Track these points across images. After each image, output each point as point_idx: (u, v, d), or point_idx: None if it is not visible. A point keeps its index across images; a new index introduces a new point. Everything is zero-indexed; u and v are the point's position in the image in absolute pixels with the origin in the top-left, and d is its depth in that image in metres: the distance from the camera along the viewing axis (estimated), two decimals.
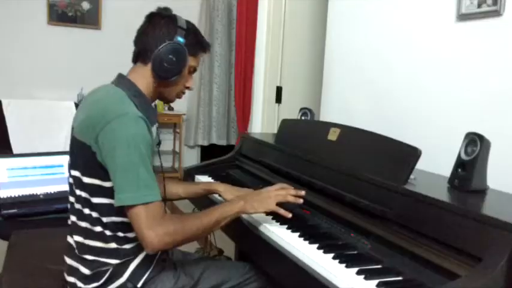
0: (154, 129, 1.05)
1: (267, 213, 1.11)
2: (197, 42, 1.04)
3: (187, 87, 1.08)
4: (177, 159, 4.01)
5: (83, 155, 0.95)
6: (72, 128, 1.01)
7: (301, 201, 1.06)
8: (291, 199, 1.05)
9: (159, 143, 1.09)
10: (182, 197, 1.26)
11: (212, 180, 1.49)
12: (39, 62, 3.51)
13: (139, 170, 0.89)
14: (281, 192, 1.06)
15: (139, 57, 1.03)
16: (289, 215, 1.04)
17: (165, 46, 0.97)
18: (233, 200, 1.06)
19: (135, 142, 0.89)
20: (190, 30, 1.02)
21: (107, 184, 0.93)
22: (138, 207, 0.88)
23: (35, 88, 3.44)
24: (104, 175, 0.93)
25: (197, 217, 0.97)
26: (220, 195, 1.24)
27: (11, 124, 2.52)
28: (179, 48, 0.98)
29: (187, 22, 1.03)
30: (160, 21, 1.00)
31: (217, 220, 0.98)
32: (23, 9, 3.42)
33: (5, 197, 1.73)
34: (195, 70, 1.07)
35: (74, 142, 0.99)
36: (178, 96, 1.08)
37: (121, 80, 1.02)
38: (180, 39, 0.99)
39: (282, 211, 1.04)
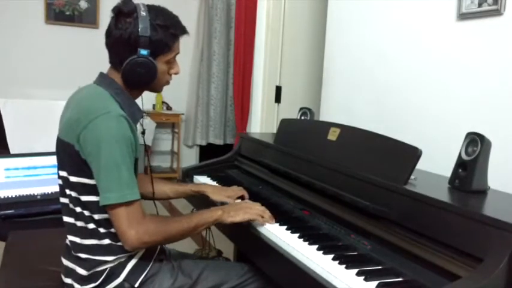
0: (144, 122, 1.05)
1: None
2: (166, 38, 0.99)
3: (174, 74, 1.06)
4: (175, 159, 4.00)
5: (67, 155, 0.96)
6: (59, 130, 1.02)
7: (266, 224, 1.06)
8: (260, 220, 1.06)
9: (143, 132, 1.09)
10: (171, 196, 1.27)
11: (210, 181, 1.49)
12: (36, 61, 3.50)
13: (121, 169, 0.90)
14: (260, 208, 1.08)
15: (111, 62, 1.02)
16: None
17: (130, 63, 0.96)
18: (214, 208, 1.08)
19: (117, 141, 0.90)
20: (156, 31, 0.96)
21: (94, 182, 0.94)
22: (120, 206, 0.90)
23: (32, 87, 3.42)
24: (90, 173, 0.93)
25: (178, 220, 0.99)
26: (208, 196, 1.24)
27: (8, 124, 2.51)
28: (144, 62, 0.97)
29: (153, 17, 0.96)
30: (124, 25, 0.96)
31: (196, 225, 1.00)
32: (21, 8, 3.41)
33: (2, 197, 1.72)
34: (176, 55, 1.04)
35: (59, 143, 0.99)
36: (166, 84, 1.07)
37: (102, 79, 1.02)
38: (143, 51, 0.95)
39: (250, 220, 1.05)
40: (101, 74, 1.03)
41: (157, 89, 1.07)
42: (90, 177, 0.94)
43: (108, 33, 0.99)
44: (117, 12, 0.98)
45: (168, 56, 1.02)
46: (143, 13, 0.96)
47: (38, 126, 2.52)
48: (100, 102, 0.95)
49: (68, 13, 3.54)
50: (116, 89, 1.00)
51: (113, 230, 0.97)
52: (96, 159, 0.90)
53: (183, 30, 1.03)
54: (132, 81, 0.99)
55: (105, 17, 3.71)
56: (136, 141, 0.97)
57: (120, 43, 0.97)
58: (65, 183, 0.99)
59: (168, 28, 0.99)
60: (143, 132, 1.08)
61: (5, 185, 1.74)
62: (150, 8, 0.99)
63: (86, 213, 0.97)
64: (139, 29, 0.95)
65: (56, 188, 1.83)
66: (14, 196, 1.74)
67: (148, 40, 0.96)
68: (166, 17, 1.00)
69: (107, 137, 0.90)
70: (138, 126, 1.05)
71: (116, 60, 1.00)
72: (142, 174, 1.10)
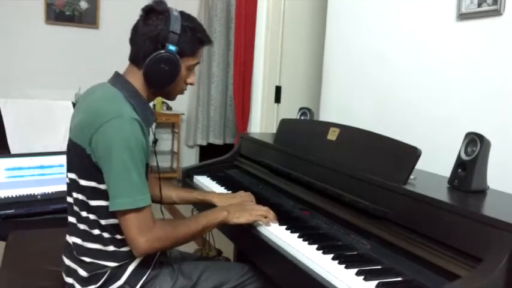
0: (152, 128, 1.05)
1: None
2: (194, 41, 1.00)
3: (190, 83, 1.06)
4: (175, 159, 4.00)
5: (78, 158, 0.95)
6: (70, 130, 1.01)
7: (270, 224, 1.07)
8: (264, 221, 1.06)
9: (155, 141, 1.08)
10: (176, 202, 1.26)
11: (210, 181, 1.49)
12: (36, 62, 3.50)
13: (132, 174, 0.89)
14: (263, 208, 1.08)
15: (133, 59, 1.01)
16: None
17: (156, 56, 0.95)
18: (218, 209, 1.08)
19: (129, 145, 0.89)
20: (186, 32, 0.98)
21: (103, 186, 0.93)
22: (130, 213, 0.89)
23: (33, 88, 3.42)
24: (100, 177, 0.92)
25: (186, 224, 0.99)
26: (215, 205, 1.22)
27: (8, 124, 2.50)
28: (170, 58, 0.96)
29: (183, 19, 0.99)
30: (154, 21, 0.96)
31: (203, 227, 1.01)
32: (21, 8, 3.41)
33: (3, 197, 1.72)
34: (196, 64, 1.05)
35: (70, 144, 0.98)
36: (180, 93, 1.07)
37: (118, 79, 1.00)
38: (172, 47, 0.96)
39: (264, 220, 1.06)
40: (116, 74, 1.02)
41: (171, 96, 1.06)
42: (100, 181, 0.92)
43: (135, 29, 0.99)
44: (148, 9, 0.98)
45: (191, 62, 1.02)
46: (175, 13, 0.98)
47: (38, 126, 2.51)
48: (113, 104, 0.94)
49: (68, 13, 3.54)
50: (131, 91, 0.98)
51: (118, 236, 0.96)
52: (107, 164, 0.89)
53: (209, 40, 1.04)
54: (153, 78, 0.97)
55: (105, 18, 3.73)
56: (148, 146, 0.95)
57: (147, 38, 0.96)
58: (73, 185, 0.98)
59: (197, 32, 1.01)
60: (154, 142, 1.08)
61: (5, 185, 1.74)
62: (182, 12, 1.01)
63: (92, 217, 0.96)
64: (170, 26, 0.96)
65: (56, 188, 1.84)
66: (14, 196, 1.74)
67: (177, 38, 0.96)
68: (196, 23, 1.03)
69: (119, 141, 0.88)
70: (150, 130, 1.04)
71: (138, 56, 0.98)
72: (151, 176, 1.09)
